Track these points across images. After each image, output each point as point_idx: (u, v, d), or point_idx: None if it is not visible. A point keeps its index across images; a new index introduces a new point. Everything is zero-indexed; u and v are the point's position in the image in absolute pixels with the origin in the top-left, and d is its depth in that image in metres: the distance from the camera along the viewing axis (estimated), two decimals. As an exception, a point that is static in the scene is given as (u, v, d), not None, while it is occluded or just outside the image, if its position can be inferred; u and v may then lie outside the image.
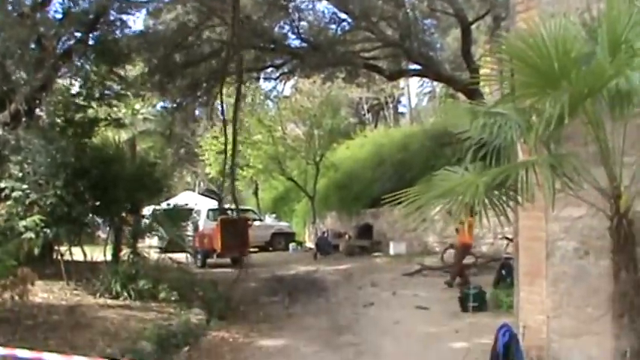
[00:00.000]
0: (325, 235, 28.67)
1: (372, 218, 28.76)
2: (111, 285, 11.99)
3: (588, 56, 5.75)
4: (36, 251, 11.71)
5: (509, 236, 20.38)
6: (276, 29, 22.28)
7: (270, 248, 30.46)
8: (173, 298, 12.02)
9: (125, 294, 11.88)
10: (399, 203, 6.42)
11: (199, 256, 23.65)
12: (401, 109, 49.78)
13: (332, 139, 30.80)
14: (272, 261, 25.13)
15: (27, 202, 11.87)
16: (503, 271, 14.78)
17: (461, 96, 29.73)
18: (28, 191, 11.90)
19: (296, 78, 27.64)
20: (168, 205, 17.07)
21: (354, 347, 10.17)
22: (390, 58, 23.64)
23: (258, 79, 27.42)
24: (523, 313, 7.82)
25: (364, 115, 43.87)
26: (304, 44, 22.22)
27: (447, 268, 19.50)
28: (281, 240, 30.95)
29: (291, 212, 36.93)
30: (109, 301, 11.62)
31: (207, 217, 28.80)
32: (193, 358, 9.28)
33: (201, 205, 29.56)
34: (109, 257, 14.25)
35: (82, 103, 14.72)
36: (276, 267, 22.75)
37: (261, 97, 30.78)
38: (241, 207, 34.42)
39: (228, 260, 24.41)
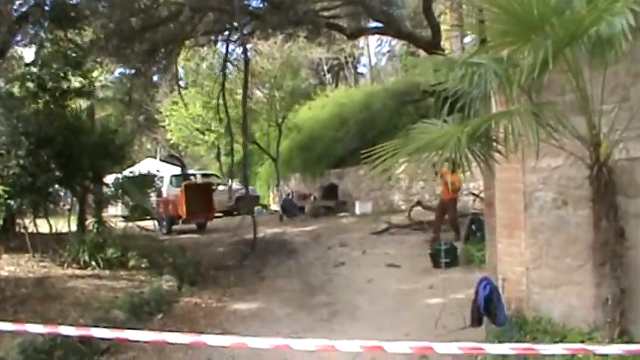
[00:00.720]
0: (290, 197, 28.56)
1: (336, 178, 28.70)
2: (78, 255, 11.73)
3: (566, 3, 5.65)
4: (-1, 223, 11.41)
5: (476, 192, 20.64)
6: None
7: (235, 212, 30.27)
8: (143, 266, 11.83)
9: (93, 263, 11.65)
10: (377, 159, 6.14)
11: (164, 223, 23.35)
12: (360, 69, 49.69)
13: (293, 101, 30.49)
14: (236, 225, 24.96)
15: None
16: (473, 226, 14.89)
17: (422, 53, 29.64)
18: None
19: (255, 40, 27.11)
20: (131, 172, 16.78)
21: (329, 307, 10.12)
22: (350, 17, 23.26)
23: (216, 42, 26.85)
24: (502, 266, 7.80)
25: (324, 75, 43.53)
26: (265, 4, 21.75)
27: (415, 225, 19.61)
28: (245, 204, 30.71)
29: (255, 175, 36.67)
30: (78, 272, 11.38)
31: (171, 183, 28.41)
32: (167, 325, 9.12)
33: (164, 171, 29.17)
34: (74, 228, 13.92)
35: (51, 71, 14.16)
36: (242, 231, 22.57)
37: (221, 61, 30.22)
38: (204, 172, 34.27)
39: (193, 226, 24.27)
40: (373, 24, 24.54)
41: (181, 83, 35.01)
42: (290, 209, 26.60)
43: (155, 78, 29.71)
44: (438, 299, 10.26)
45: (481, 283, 7.45)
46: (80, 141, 12.88)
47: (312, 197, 27.97)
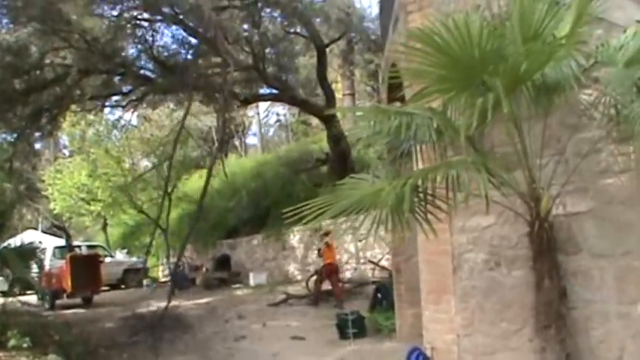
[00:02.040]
0: (181, 268, 27.37)
1: (229, 249, 27.87)
2: (-51, 335, 10.44)
3: (501, 48, 5.31)
4: None
5: (374, 260, 20.32)
6: (129, 51, 21.08)
7: (123, 286, 28.81)
8: (25, 346, 10.57)
9: (-33, 344, 10.37)
10: (301, 219, 5.55)
11: (48, 297, 21.75)
12: (250, 138, 49.33)
13: (183, 170, 29.58)
14: (127, 299, 23.60)
15: None
16: (379, 295, 14.36)
17: (313, 121, 29.61)
18: None
19: (144, 106, 26.28)
20: (8, 244, 15.48)
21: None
22: (243, 83, 22.93)
23: (103, 107, 25.85)
24: (429, 334, 7.25)
25: (213, 144, 42.72)
26: (157, 67, 21.04)
27: (312, 295, 19.01)
28: (134, 277, 29.31)
29: (143, 247, 35.19)
30: (-52, 354, 10.10)
31: (54, 255, 26.65)
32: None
33: (46, 243, 27.47)
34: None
35: None
36: (132, 305, 21.30)
37: (109, 127, 29.12)
38: (90, 243, 32.56)
39: (78, 300, 22.77)
40: (267, 90, 24.34)
41: (65, 151, 33.70)
42: (181, 281, 25.45)
43: (38, 145, 28.42)
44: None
45: (412, 354, 6.87)
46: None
47: (204, 268, 26.95)
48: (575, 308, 5.94)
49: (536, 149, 5.71)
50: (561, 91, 5.24)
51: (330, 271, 18.19)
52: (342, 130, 25.42)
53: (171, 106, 29.22)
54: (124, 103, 25.15)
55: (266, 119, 49.11)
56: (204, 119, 37.31)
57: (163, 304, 20.69)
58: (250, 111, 41.29)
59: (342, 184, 6.03)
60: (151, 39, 20.47)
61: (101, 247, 31.56)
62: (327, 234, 19.51)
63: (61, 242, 28.88)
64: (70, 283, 21.46)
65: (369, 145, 27.99)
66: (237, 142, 47.04)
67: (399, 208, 5.14)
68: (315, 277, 19.20)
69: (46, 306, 21.56)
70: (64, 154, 36.86)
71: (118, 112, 28.27)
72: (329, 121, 24.60)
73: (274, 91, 22.74)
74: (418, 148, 6.14)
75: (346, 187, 5.99)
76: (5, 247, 13.78)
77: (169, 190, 27.59)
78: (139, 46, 20.63)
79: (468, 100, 5.26)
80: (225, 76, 20.82)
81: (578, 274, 6.00)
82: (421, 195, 5.44)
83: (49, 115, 22.66)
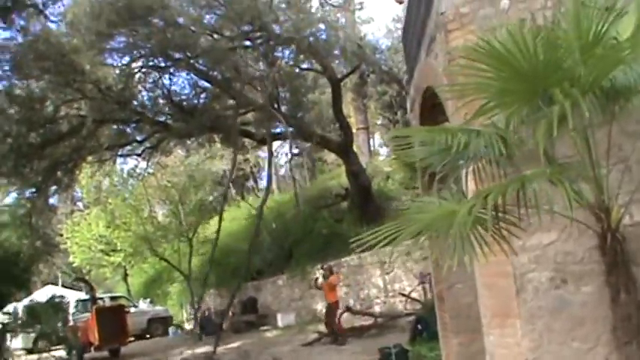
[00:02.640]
0: (207, 314, 27.06)
1: (254, 291, 27.54)
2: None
3: (560, 60, 5.10)
4: None
5: (405, 293, 19.98)
6: (144, 97, 21.06)
7: (147, 335, 28.44)
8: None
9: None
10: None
11: (74, 352, 21.44)
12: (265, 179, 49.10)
13: (202, 214, 29.39)
14: (155, 348, 23.29)
15: None
16: (419, 326, 14.01)
17: (329, 158, 29.46)
18: None
19: (159, 153, 26.20)
20: (31, 301, 15.25)
21: None
22: (259, 122, 22.84)
23: (118, 156, 25.80)
24: (496, 360, 6.92)
25: (229, 188, 42.63)
26: (174, 112, 20.96)
27: (347, 332, 18.69)
28: (158, 325, 28.98)
29: (165, 295, 34.93)
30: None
31: (76, 308, 26.34)
32: None
33: (67, 297, 27.24)
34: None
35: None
36: (161, 354, 21.04)
37: (125, 176, 29.00)
38: (112, 294, 32.27)
39: (105, 353, 22.47)
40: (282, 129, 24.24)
41: (82, 202, 33.62)
42: (209, 327, 25.09)
43: (52, 199, 28.29)
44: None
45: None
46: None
47: (230, 313, 26.59)
48: (651, 322, 5.63)
49: (597, 159, 5.45)
50: (632, 96, 5.00)
51: (336, 308, 18.78)
52: (360, 164, 25.28)
53: (185, 152, 29.23)
54: (139, 151, 25.10)
55: (277, 159, 49.04)
56: (218, 163, 37.24)
57: (190, 351, 20.54)
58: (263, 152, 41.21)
59: (407, 209, 5.74)
60: (168, 82, 20.43)
61: (124, 297, 31.29)
62: (330, 271, 19.64)
63: (82, 295, 28.67)
64: (97, 336, 21.16)
65: (388, 178, 28.14)
66: (252, 184, 47.07)
67: (474, 228, 4.87)
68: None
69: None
70: (80, 207, 36.77)
71: (133, 161, 28.16)
72: (347, 156, 24.45)
73: (290, 129, 22.51)
74: (474, 167, 5.88)
75: (413, 211, 5.72)
76: (35, 302, 13.56)
77: (190, 235, 27.46)
78: (155, 92, 20.57)
79: (530, 113, 5.06)
80: (236, 117, 20.80)
81: (651, 286, 5.71)
82: (495, 213, 5.17)
83: (66, 168, 22.60)
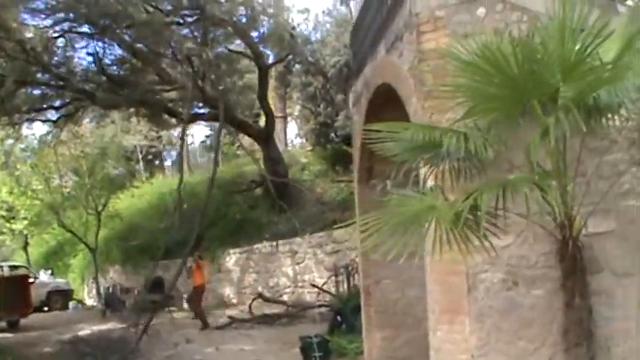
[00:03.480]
0: (112, 290, 26.51)
1: (162, 271, 27.10)
2: None
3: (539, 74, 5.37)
4: None
5: (315, 284, 20.16)
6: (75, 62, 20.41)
7: (46, 308, 27.60)
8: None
9: None
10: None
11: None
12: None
13: (111, 188, 28.72)
14: (55, 322, 22.66)
15: None
16: (339, 318, 14.19)
17: (244, 143, 29.32)
18: None
19: (74, 123, 25.43)
20: None
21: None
22: (184, 101, 22.50)
23: (32, 121, 24.86)
24: (441, 355, 7.15)
25: (137, 163, 41.84)
26: (103, 81, 20.36)
27: (258, 319, 18.77)
28: (58, 298, 28.16)
29: (66, 268, 34.00)
30: None
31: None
32: None
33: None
34: None
35: None
36: (63, 328, 20.50)
37: (36, 142, 27.99)
38: (12, 263, 31.11)
39: (2, 324, 21.67)
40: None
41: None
42: (113, 304, 24.63)
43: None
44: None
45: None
46: None
47: (135, 291, 26.15)
48: (597, 327, 5.97)
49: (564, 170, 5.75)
50: (614, 114, 5.30)
51: (201, 292, 20.11)
52: (279, 152, 25.32)
53: (97, 123, 28.55)
54: (54, 118, 24.28)
55: (192, 141, 48.45)
56: (130, 138, 36.53)
57: (96, 328, 20.12)
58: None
59: (387, 201, 5.87)
60: (101, 51, 19.85)
61: (24, 267, 30.18)
62: (199, 257, 21.11)
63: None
64: (-4, 305, 20.41)
65: (303, 168, 28.27)
66: (164, 162, 46.43)
67: (456, 224, 5.08)
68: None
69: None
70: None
71: (45, 128, 27.17)
72: (267, 144, 24.46)
73: (214, 111, 22.25)
74: (449, 166, 6.08)
75: (394, 203, 5.86)
76: None
77: (99, 208, 26.83)
78: (86, 59, 20.00)
79: (506, 121, 5.31)
80: (161, 93, 20.44)
81: (601, 293, 6.05)
82: (475, 213, 5.37)
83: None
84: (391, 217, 5.52)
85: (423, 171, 6.66)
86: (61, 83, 20.08)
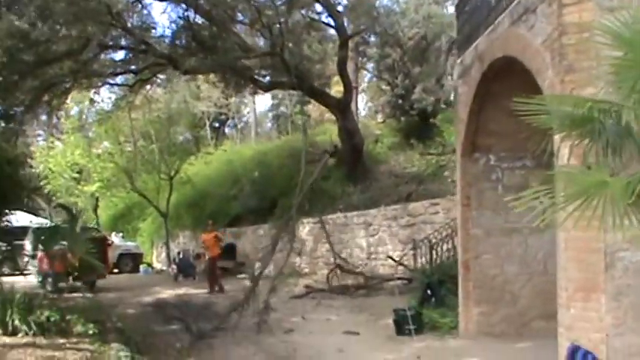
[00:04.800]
0: (185, 255, 26.63)
1: (233, 238, 27.21)
2: (6, 318, 9.71)
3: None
4: None
5: (393, 257, 19.90)
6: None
7: (116, 270, 27.93)
8: (92, 332, 9.90)
9: (25, 329, 9.64)
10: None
11: (50, 280, 20.80)
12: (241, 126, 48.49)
13: (184, 154, 28.87)
14: (130, 285, 22.86)
15: None
16: (429, 291, 13.92)
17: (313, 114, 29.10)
18: None
19: (151, 87, 25.56)
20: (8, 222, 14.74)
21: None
22: (265, 69, 22.34)
23: (110, 84, 25.02)
24: (574, 332, 6.90)
25: (204, 130, 42.07)
26: (190, 46, 20.27)
27: (337, 289, 18.61)
28: (128, 261, 28.46)
29: (135, 231, 34.39)
30: (7, 339, 9.38)
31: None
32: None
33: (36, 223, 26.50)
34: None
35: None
36: (138, 290, 20.66)
37: (112, 106, 28.14)
38: (85, 225, 31.50)
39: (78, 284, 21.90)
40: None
41: (56, 129, 32.69)
42: (186, 269, 24.76)
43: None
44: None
45: (575, 352, 6.49)
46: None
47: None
48: None
49: None
50: None
51: (214, 262, 21.07)
52: (356, 123, 25.02)
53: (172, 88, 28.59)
54: (131, 82, 24.36)
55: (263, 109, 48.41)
56: (200, 105, 36.64)
57: (171, 292, 20.21)
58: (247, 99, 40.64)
59: (551, 174, 5.54)
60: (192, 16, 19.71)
61: (96, 229, 30.54)
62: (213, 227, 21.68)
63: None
64: (77, 266, 20.57)
65: (377, 141, 27.91)
66: (233, 130, 46.49)
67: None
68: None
69: (48, 289, 20.66)
70: (54, 133, 35.76)
71: (119, 92, 27.28)
72: (344, 114, 24.16)
73: (295, 80, 22.02)
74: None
75: (560, 177, 5.53)
76: (40, 227, 13.18)
77: (172, 173, 26.95)
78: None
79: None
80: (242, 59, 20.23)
81: None
82: None
83: (60, 90, 21.75)
84: (567, 188, 5.19)
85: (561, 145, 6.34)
86: (144, 47, 20.02)
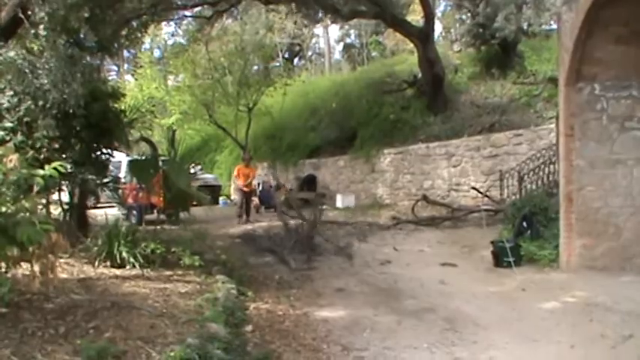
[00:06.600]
0: (264, 187, 26.77)
1: (312, 169, 27.24)
2: (114, 250, 9.87)
3: None
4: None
5: (478, 188, 19.61)
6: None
7: (195, 203, 28.19)
8: (197, 264, 9.99)
9: (132, 261, 9.79)
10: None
11: (135, 213, 21.14)
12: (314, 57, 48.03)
13: (262, 85, 28.74)
14: (212, 217, 23.03)
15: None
16: (524, 224, 13.65)
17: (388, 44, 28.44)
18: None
19: (226, 18, 25.37)
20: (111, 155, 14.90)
21: (434, 313, 8.67)
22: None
23: (187, 17, 24.95)
24: None
25: (277, 62, 41.82)
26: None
27: (424, 221, 18.48)
28: (208, 194, 28.64)
29: (212, 164, 34.68)
30: (117, 271, 9.51)
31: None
32: (266, 339, 7.55)
33: (118, 156, 26.81)
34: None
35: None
36: (224, 222, 20.90)
37: (190, 38, 28.03)
38: (163, 158, 31.86)
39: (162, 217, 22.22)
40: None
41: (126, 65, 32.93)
42: (268, 200, 24.90)
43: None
44: (552, 302, 9.01)
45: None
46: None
47: (288, 188, 26.37)
48: None
49: None
50: None
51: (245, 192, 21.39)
52: (437, 52, 24.44)
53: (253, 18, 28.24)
54: (208, 14, 24.20)
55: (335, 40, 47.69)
56: (273, 36, 36.30)
57: (258, 224, 20.35)
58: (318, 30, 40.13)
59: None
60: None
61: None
62: (250, 158, 22.35)
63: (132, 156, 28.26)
64: (161, 199, 20.83)
65: (456, 70, 27.23)
66: (307, 60, 46.02)
67: None
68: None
69: (133, 221, 21.01)
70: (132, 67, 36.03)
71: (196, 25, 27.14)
72: (425, 44, 23.59)
73: (376, 8, 21.47)
74: None
75: None
76: (134, 159, 13.36)
77: (250, 105, 26.94)
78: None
79: None
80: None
81: None
82: None
83: (139, 22, 21.67)
84: None
85: None
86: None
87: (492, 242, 12.48)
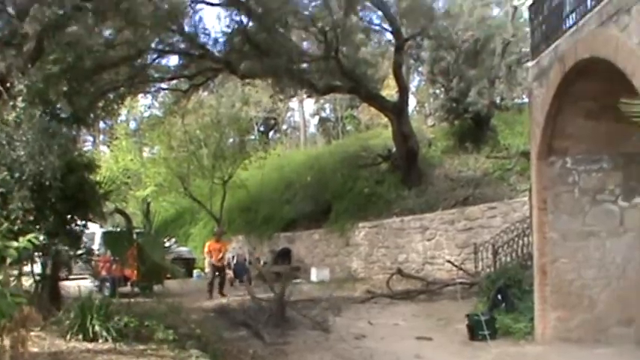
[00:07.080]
0: (239, 260, 26.57)
1: (287, 242, 27.20)
2: (86, 323, 9.72)
3: None
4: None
5: (452, 261, 19.68)
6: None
7: (169, 275, 27.91)
8: (171, 338, 9.86)
9: (105, 335, 9.63)
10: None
11: (108, 284, 20.91)
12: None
13: (238, 159, 28.93)
14: (185, 290, 22.80)
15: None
16: (499, 296, 13.68)
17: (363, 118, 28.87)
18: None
19: (202, 92, 25.71)
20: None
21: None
22: (320, 73, 22.23)
23: (163, 89, 25.24)
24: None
25: (252, 135, 42.19)
26: (250, 47, 20.27)
27: (399, 294, 18.46)
28: (181, 266, 28.45)
29: (186, 236, 34.47)
30: (89, 345, 9.35)
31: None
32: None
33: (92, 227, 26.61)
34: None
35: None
36: (195, 295, 20.70)
37: (165, 110, 28.29)
38: (138, 230, 31.64)
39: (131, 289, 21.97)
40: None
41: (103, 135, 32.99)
42: (242, 273, 24.72)
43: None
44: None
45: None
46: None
47: (261, 261, 26.26)
48: None
49: None
50: None
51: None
52: (411, 126, 24.83)
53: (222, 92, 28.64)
54: (185, 88, 24.51)
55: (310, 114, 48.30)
56: (249, 109, 36.76)
57: (232, 298, 20.15)
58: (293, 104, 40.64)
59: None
60: (246, 20, 19.73)
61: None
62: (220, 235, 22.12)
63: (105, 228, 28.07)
64: (135, 271, 20.65)
65: (430, 144, 27.62)
66: (281, 134, 46.42)
67: None
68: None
69: (106, 293, 20.75)
70: (102, 140, 36.16)
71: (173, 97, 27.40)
72: (399, 117, 23.99)
73: (351, 83, 21.90)
74: None
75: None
76: (109, 231, 13.30)
77: (226, 178, 27.04)
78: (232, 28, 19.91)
79: None
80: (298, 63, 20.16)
81: None
82: None
83: (115, 95, 21.88)
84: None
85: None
86: (201, 52, 20.13)
87: (467, 315, 12.48)
